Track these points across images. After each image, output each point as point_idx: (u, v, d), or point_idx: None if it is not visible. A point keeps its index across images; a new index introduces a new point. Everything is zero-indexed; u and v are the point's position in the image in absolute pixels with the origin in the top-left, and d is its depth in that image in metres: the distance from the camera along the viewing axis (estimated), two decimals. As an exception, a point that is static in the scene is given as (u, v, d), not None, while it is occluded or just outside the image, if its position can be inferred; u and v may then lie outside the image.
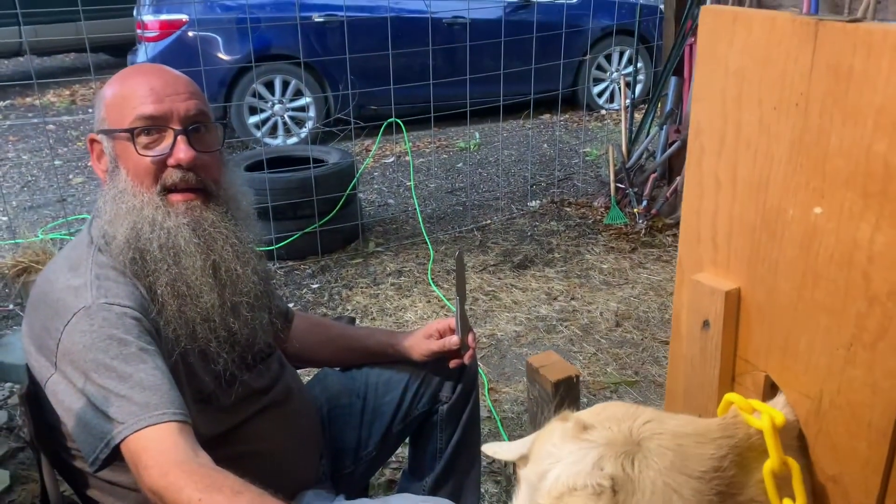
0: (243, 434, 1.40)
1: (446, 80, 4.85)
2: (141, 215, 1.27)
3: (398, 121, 4.21)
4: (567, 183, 5.18)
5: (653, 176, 4.40)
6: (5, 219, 4.62)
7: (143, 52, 5.64)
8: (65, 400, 1.18)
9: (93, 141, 1.35)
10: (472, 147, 6.06)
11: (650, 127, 4.70)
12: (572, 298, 3.49)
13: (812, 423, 0.98)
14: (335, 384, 1.71)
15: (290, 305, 1.75)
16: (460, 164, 5.69)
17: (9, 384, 2.76)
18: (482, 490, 2.07)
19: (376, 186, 5.25)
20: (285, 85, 6.05)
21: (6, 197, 4.98)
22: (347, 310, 3.46)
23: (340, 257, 4.03)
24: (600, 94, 7.19)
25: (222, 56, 5.89)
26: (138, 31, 5.92)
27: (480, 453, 1.82)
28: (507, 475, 2.25)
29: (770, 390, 1.04)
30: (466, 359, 1.63)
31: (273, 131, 6.11)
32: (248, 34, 5.73)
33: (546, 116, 6.92)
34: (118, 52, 8.64)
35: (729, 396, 1.02)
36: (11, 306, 3.42)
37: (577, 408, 1.12)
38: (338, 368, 1.75)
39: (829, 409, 0.95)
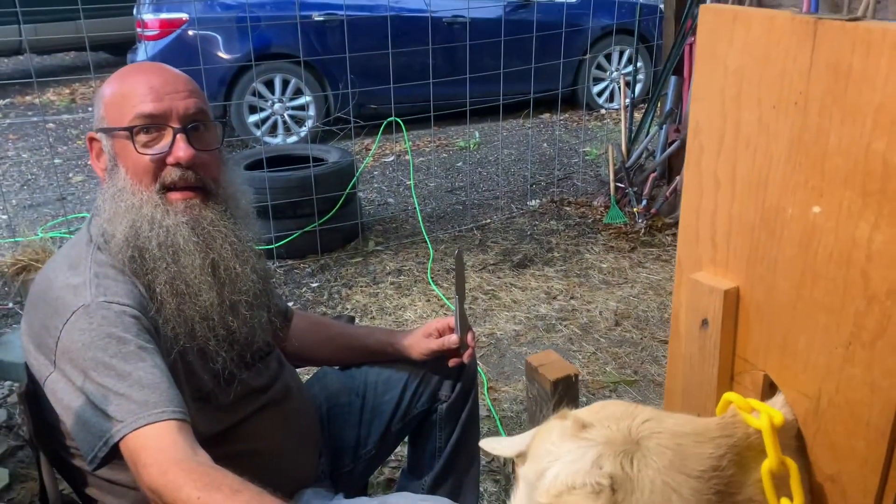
0: (242, 432, 1.40)
1: (446, 80, 4.85)
2: (140, 213, 1.27)
3: (398, 120, 4.21)
4: (567, 182, 5.18)
5: (652, 175, 4.40)
6: (5, 217, 4.62)
7: (143, 51, 5.64)
8: (64, 398, 1.18)
9: (92, 139, 1.35)
10: (471, 146, 6.06)
11: (650, 126, 4.70)
12: (572, 298, 3.49)
13: (810, 422, 0.98)
14: (334, 383, 1.71)
15: (290, 304, 1.76)
16: (460, 164, 5.69)
17: (8, 382, 2.75)
18: (481, 489, 2.07)
19: (376, 185, 5.25)
20: (285, 84, 6.04)
21: (6, 195, 4.98)
22: (347, 309, 3.46)
23: (340, 256, 4.03)
24: (600, 94, 7.19)
25: (222, 55, 5.89)
26: (138, 29, 5.92)
27: (479, 452, 1.82)
28: (506, 474, 2.25)
29: (769, 389, 1.04)
30: (465, 358, 1.63)
31: (273, 130, 6.11)
32: (248, 33, 5.73)
33: (546, 116, 6.91)
34: (118, 51, 8.64)
35: (728, 396, 1.02)
36: (11, 304, 3.42)
37: (576, 406, 1.12)
38: (337, 367, 1.75)
39: (828, 408, 0.95)
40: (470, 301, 3.44)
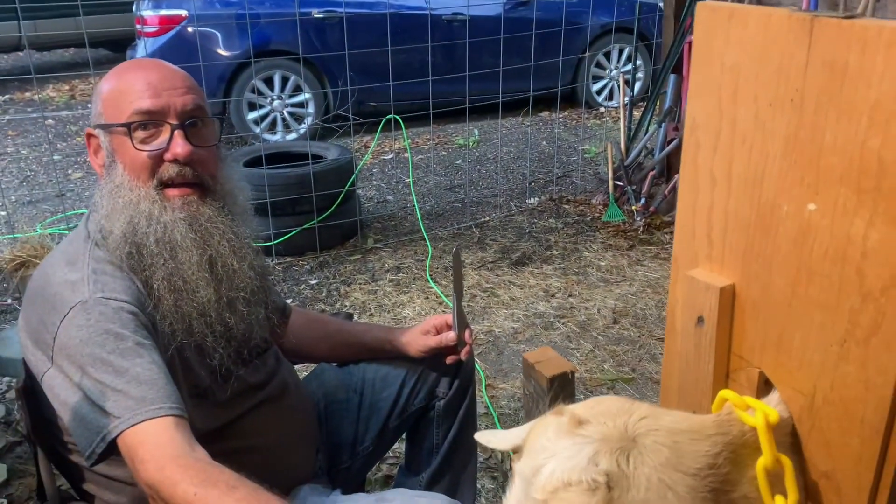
0: (239, 429, 1.41)
1: (445, 77, 4.85)
2: (137, 210, 1.27)
3: (397, 117, 4.21)
4: (566, 180, 5.18)
5: (651, 173, 4.41)
6: (4, 213, 4.61)
7: (143, 48, 5.64)
8: (61, 394, 1.19)
9: (90, 135, 1.35)
10: (470, 144, 6.06)
11: (649, 124, 4.70)
12: (570, 295, 3.50)
13: (805, 419, 0.98)
14: (332, 379, 1.71)
15: (288, 301, 1.76)
16: (459, 161, 5.69)
17: (7, 378, 2.76)
18: (478, 486, 2.07)
19: (375, 183, 5.25)
20: (284, 81, 6.04)
21: (5, 191, 4.98)
22: (346, 306, 3.47)
23: (339, 253, 4.03)
24: (599, 92, 7.19)
25: (221, 52, 5.88)
26: (137, 26, 5.92)
27: (477, 449, 1.82)
28: (503, 471, 2.26)
29: (764, 386, 1.04)
30: (463, 355, 1.63)
31: (272, 127, 6.11)
32: (248, 30, 5.73)
33: (545, 114, 6.91)
34: (117, 48, 8.64)
35: (723, 393, 1.02)
36: (10, 301, 3.42)
37: (573, 403, 1.12)
38: (335, 364, 1.75)
39: (823, 406, 0.95)
40: (468, 299, 3.45)
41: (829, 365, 0.93)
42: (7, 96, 7.97)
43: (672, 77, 4.39)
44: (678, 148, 4.26)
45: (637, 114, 5.12)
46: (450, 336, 1.60)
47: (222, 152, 1.42)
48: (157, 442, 1.11)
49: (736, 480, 0.96)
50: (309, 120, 6.13)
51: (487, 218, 4.50)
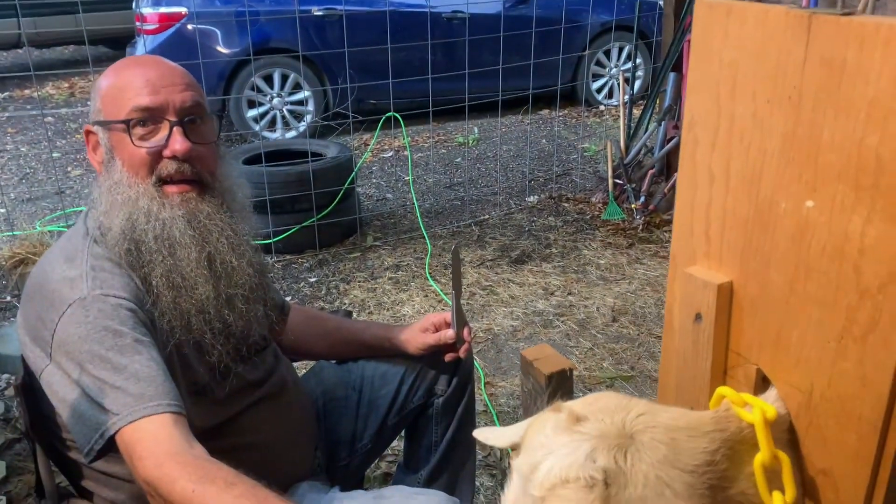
0: (238, 426, 1.41)
1: (445, 75, 4.85)
2: (136, 206, 1.27)
3: (397, 115, 4.21)
4: (565, 178, 5.18)
5: (651, 172, 4.41)
6: (3, 211, 4.62)
7: (142, 45, 5.63)
8: (60, 391, 1.19)
9: (89, 132, 1.35)
10: (470, 142, 6.06)
11: (649, 123, 4.70)
12: (569, 293, 3.50)
13: (803, 416, 0.98)
14: (331, 377, 1.71)
15: (288, 299, 1.76)
16: (459, 159, 5.69)
17: (6, 375, 2.76)
18: (477, 483, 2.07)
19: (374, 181, 5.25)
20: (284, 79, 6.04)
21: (4, 189, 4.98)
22: (345, 304, 3.47)
23: (338, 251, 4.03)
24: (599, 90, 7.19)
25: (221, 49, 5.88)
26: (137, 23, 5.91)
27: (476, 447, 1.82)
28: (502, 469, 2.26)
29: (762, 383, 1.04)
30: (462, 352, 1.63)
31: (272, 125, 6.11)
32: (248, 27, 5.73)
33: (545, 112, 6.91)
34: (117, 45, 8.64)
35: (721, 390, 1.02)
36: (9, 298, 3.42)
37: (571, 400, 1.12)
38: (334, 361, 1.75)
39: (820, 402, 0.95)
40: (468, 296, 3.45)
41: (827, 362, 0.93)
42: (6, 93, 7.97)
43: (672, 75, 4.39)
44: (678, 146, 4.25)
45: (637, 112, 5.12)
46: (448, 334, 1.61)
47: (221, 149, 1.42)
48: (156, 439, 1.11)
49: (733, 477, 0.96)
50: (308, 118, 6.13)
51: (487, 216, 4.50)
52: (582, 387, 2.74)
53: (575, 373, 2.51)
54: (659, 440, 0.91)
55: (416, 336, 1.63)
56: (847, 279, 0.88)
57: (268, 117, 6.08)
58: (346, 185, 4.01)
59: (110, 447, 1.14)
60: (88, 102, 1.37)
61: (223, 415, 1.39)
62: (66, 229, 4.03)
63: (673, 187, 4.22)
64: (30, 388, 1.30)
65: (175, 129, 1.28)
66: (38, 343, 1.22)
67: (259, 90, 5.95)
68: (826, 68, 0.86)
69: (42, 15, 7.87)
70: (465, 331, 1.62)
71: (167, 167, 1.29)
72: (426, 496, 1.41)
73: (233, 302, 1.36)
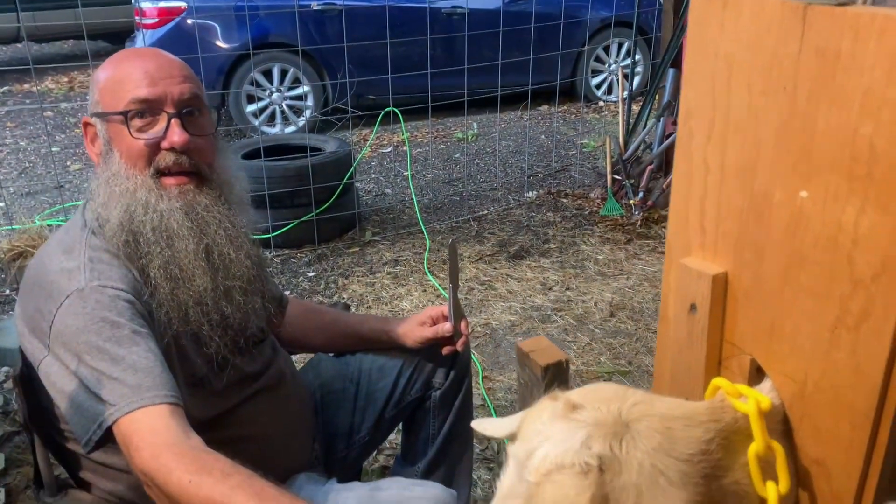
0: (235, 418, 1.41)
1: (444, 70, 4.85)
2: (134, 198, 1.27)
3: (396, 110, 4.21)
4: (564, 174, 5.18)
5: (649, 167, 4.41)
6: (2, 205, 4.62)
7: (142, 40, 5.63)
8: (57, 382, 1.19)
9: (87, 124, 1.35)
10: (469, 137, 6.06)
11: (647, 119, 4.70)
12: (567, 289, 3.50)
13: (796, 406, 0.99)
14: (329, 370, 1.72)
15: (286, 293, 1.76)
16: (458, 155, 5.69)
17: (5, 368, 2.76)
18: (474, 476, 2.08)
19: (373, 176, 5.25)
20: (283, 73, 6.04)
21: (3, 183, 4.98)
22: (343, 298, 3.47)
23: (337, 246, 4.03)
24: (598, 86, 7.19)
25: (220, 44, 5.88)
26: (136, 18, 5.91)
27: (473, 439, 1.83)
28: (499, 462, 2.27)
29: (756, 374, 1.04)
30: (459, 346, 1.63)
31: (271, 120, 6.11)
32: (247, 22, 5.72)
33: (544, 107, 6.91)
34: (116, 40, 8.63)
35: (716, 381, 1.03)
36: (7, 291, 3.42)
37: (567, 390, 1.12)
38: (331, 354, 1.75)
39: (814, 392, 0.96)
40: (466, 291, 3.45)
41: (820, 352, 0.93)
42: (6, 88, 7.96)
43: (671, 71, 4.39)
44: (676, 142, 4.26)
45: (636, 108, 5.12)
46: (446, 327, 1.61)
47: (219, 142, 1.42)
48: (153, 429, 1.11)
49: (728, 466, 0.97)
50: (308, 113, 6.13)
51: (485, 211, 4.50)
52: (579, 381, 2.75)
53: (572, 367, 2.51)
54: (654, 429, 0.92)
55: (414, 329, 1.64)
56: (840, 269, 0.88)
57: (267, 112, 6.08)
58: (344, 180, 4.01)
59: (108, 438, 1.15)
60: (87, 97, 1.37)
61: (221, 406, 1.39)
62: (65, 223, 4.03)
63: (671, 183, 4.23)
64: (28, 380, 1.31)
65: (173, 120, 1.29)
66: (36, 334, 1.23)
67: (258, 85, 5.95)
68: (821, 59, 0.86)
69: (41, 9, 7.86)
70: (463, 324, 1.62)
71: (165, 159, 1.30)
72: (423, 487, 1.41)
73: (230, 294, 1.36)
